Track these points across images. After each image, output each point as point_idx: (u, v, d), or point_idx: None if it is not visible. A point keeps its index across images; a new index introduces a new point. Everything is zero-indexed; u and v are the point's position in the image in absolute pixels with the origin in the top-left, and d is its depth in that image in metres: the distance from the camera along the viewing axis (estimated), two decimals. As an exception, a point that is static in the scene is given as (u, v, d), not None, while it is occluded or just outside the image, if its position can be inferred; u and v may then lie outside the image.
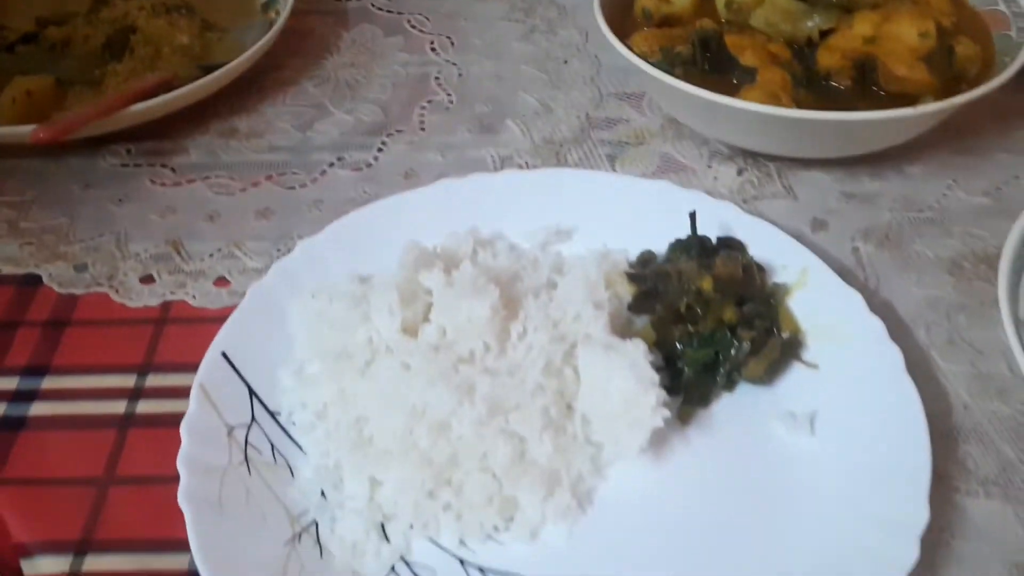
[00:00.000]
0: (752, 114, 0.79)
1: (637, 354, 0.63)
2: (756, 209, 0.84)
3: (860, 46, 0.84)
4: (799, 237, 0.80)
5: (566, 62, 1.06)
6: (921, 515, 0.56)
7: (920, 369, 0.69)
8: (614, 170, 0.90)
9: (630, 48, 0.87)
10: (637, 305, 0.71)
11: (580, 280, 0.70)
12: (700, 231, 0.76)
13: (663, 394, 0.62)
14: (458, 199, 0.81)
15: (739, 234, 0.76)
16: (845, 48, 0.84)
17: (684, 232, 0.76)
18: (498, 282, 0.69)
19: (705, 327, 0.68)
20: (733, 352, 0.67)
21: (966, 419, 0.67)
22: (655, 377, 0.62)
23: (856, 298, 0.69)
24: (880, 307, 0.74)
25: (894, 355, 0.65)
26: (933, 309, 0.75)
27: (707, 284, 0.69)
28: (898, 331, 0.72)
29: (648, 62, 0.85)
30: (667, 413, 0.62)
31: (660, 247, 0.76)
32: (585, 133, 0.95)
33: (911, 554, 0.54)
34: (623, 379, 0.62)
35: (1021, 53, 0.81)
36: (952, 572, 0.58)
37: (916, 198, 0.85)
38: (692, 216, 0.75)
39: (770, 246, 0.75)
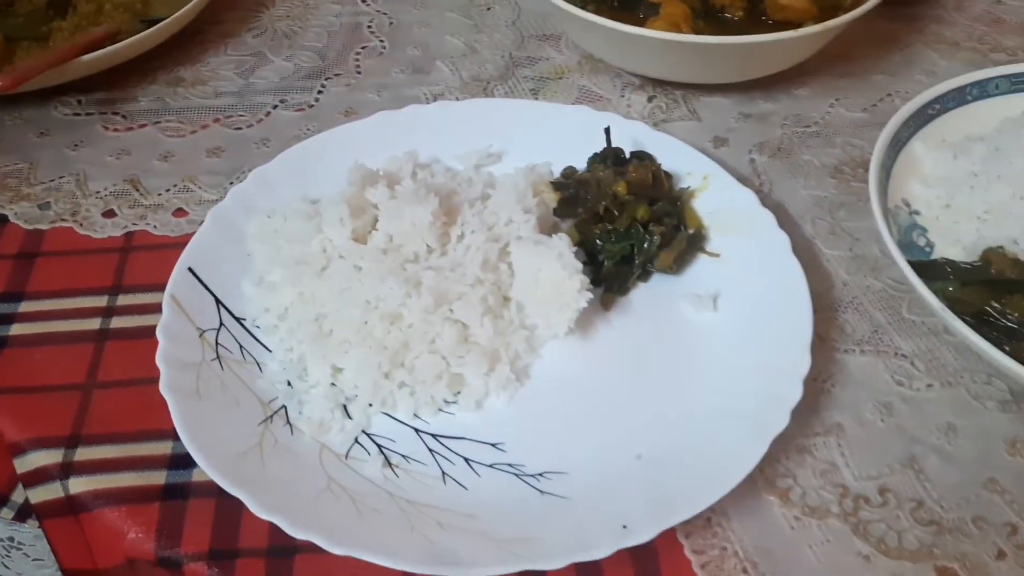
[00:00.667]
0: (656, 42, 0.88)
1: (563, 246, 0.72)
2: (665, 130, 0.94)
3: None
4: (703, 152, 0.90)
5: (489, 8, 1.14)
6: (804, 363, 0.66)
7: (807, 255, 0.80)
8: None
9: (546, -12, 0.95)
10: (562, 210, 0.80)
11: (511, 190, 0.79)
12: (614, 146, 0.85)
13: (586, 280, 0.71)
14: (396, 128, 0.88)
15: (649, 148, 0.85)
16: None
17: (601, 149, 0.85)
18: (437, 194, 0.77)
19: (621, 224, 0.78)
20: (646, 245, 0.77)
21: (845, 293, 0.78)
22: (579, 265, 0.71)
23: (750, 196, 0.80)
24: (773, 207, 0.84)
25: (783, 241, 0.75)
26: (818, 206, 0.86)
27: (621, 188, 0.79)
28: (788, 225, 0.82)
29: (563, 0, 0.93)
30: (590, 295, 0.71)
31: (581, 164, 0.85)
32: (509, 71, 1.03)
33: (796, 393, 0.64)
34: (551, 268, 0.71)
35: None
36: (833, 412, 0.69)
37: (804, 116, 0.96)
38: (607, 131, 0.84)
39: (676, 157, 0.85)
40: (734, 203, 0.80)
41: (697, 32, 0.92)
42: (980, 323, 0.70)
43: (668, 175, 0.83)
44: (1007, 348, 0.67)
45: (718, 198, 0.81)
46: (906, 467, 0.65)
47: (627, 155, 0.84)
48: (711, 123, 0.95)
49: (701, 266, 0.79)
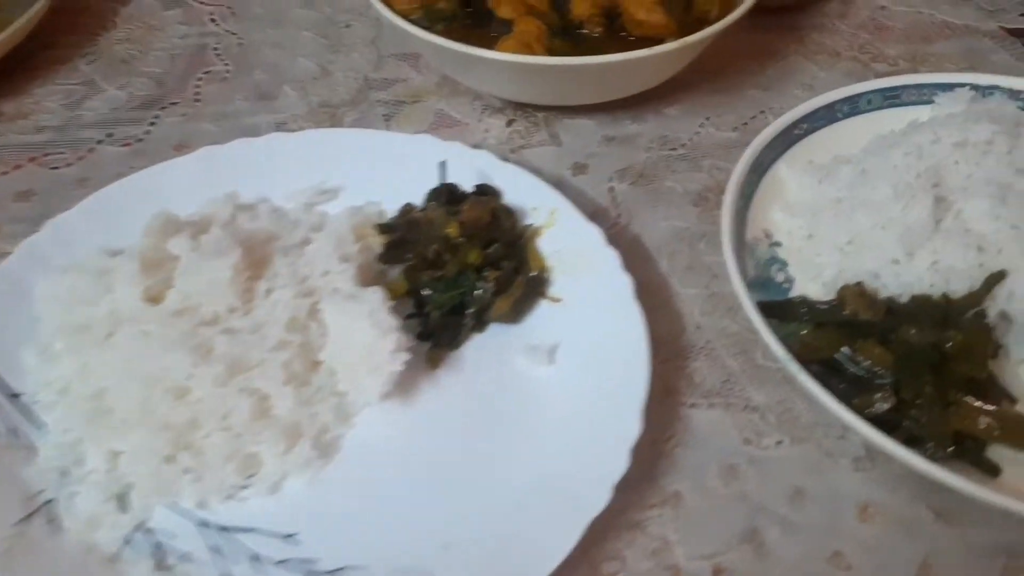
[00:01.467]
0: (505, 64, 0.81)
1: (376, 302, 0.65)
2: (523, 157, 0.87)
3: (607, -7, 0.87)
4: (560, 181, 0.83)
5: (348, 26, 1.06)
6: (633, 430, 0.60)
7: (659, 295, 0.74)
8: (388, 129, 0.91)
9: (390, 6, 0.88)
10: (387, 255, 0.72)
11: (331, 236, 0.71)
12: (459, 180, 0.78)
13: (402, 339, 0.64)
14: (219, 165, 0.80)
15: (496, 181, 0.78)
16: (595, -3, 0.87)
17: (454, 176, 0.78)
18: (249, 243, 0.70)
19: (451, 270, 0.70)
20: (479, 293, 0.70)
21: (698, 337, 0.71)
22: (393, 323, 0.64)
23: (596, 233, 0.73)
24: (628, 241, 0.78)
25: (625, 284, 0.69)
26: (678, 238, 0.79)
27: (453, 230, 0.71)
28: (642, 261, 0.76)
29: (407, 19, 0.86)
30: (406, 357, 0.64)
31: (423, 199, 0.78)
32: (363, 94, 0.96)
33: (620, 466, 0.58)
34: (362, 328, 0.64)
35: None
36: (670, 478, 0.62)
37: (671, 137, 0.89)
38: (441, 165, 0.77)
39: (524, 191, 0.78)
40: (579, 241, 0.73)
41: (553, 51, 0.85)
42: (830, 372, 0.64)
43: (510, 211, 0.76)
44: (856, 401, 0.61)
45: (564, 235, 0.74)
46: (745, 542, 0.58)
47: (470, 190, 0.77)
48: (572, 148, 0.89)
49: (542, 312, 0.72)
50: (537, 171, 0.82)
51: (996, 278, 0.67)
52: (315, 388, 0.65)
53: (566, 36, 0.87)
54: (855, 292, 0.67)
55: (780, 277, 0.74)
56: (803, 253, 0.75)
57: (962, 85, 0.84)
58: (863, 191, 0.75)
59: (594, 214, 0.80)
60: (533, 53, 0.83)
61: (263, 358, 0.64)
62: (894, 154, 0.75)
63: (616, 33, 0.87)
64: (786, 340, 0.65)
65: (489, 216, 0.73)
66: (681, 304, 0.74)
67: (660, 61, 0.83)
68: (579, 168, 0.86)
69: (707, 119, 0.91)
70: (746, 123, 0.91)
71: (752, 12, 0.89)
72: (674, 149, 0.88)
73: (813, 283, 0.73)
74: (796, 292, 0.72)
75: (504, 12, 0.87)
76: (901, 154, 0.75)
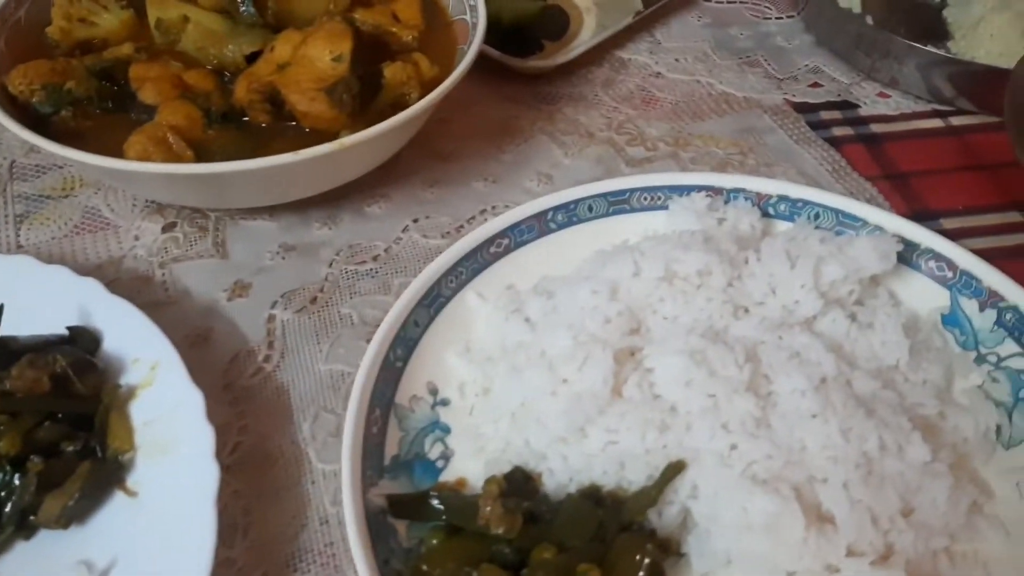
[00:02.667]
0: (117, 172, 0.64)
1: None
2: (172, 275, 0.70)
3: (271, 75, 0.71)
4: (209, 308, 0.67)
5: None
6: None
7: (285, 473, 0.58)
8: (18, 233, 0.74)
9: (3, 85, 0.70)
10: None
11: None
12: (60, 314, 0.61)
13: None
14: None
15: (98, 320, 0.62)
16: (257, 78, 0.71)
17: (49, 313, 0.61)
18: None
19: (-19, 463, 0.53)
20: (17, 492, 0.53)
21: (319, 538, 0.55)
22: None
23: (197, 401, 0.56)
24: (274, 389, 0.62)
25: (209, 479, 0.52)
26: (335, 390, 0.63)
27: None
28: (280, 422, 0.60)
29: (28, 101, 0.69)
30: None
31: (25, 331, 0.60)
32: (3, 185, 0.78)
33: None
34: None
35: (447, 81, 0.70)
36: None
37: (364, 246, 0.73)
38: None
39: (127, 335, 0.61)
40: (177, 410, 0.57)
41: (206, 143, 0.69)
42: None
43: (95, 370, 0.59)
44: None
45: (161, 401, 0.58)
46: None
47: (60, 331, 0.60)
48: (239, 261, 0.72)
49: (116, 509, 0.55)
50: (182, 296, 0.66)
51: (674, 469, 0.52)
52: None
53: (226, 122, 0.71)
54: (493, 491, 0.51)
55: (437, 450, 0.58)
56: (475, 415, 0.59)
57: (700, 188, 0.70)
58: (545, 337, 0.60)
59: (235, 358, 0.64)
60: (166, 148, 0.66)
61: None
62: (581, 291, 0.60)
63: (286, 120, 0.71)
64: (414, 553, 0.50)
65: (49, 383, 0.56)
66: (310, 486, 0.58)
67: (318, 164, 0.66)
68: (240, 289, 0.70)
69: (415, 221, 0.75)
70: (461, 227, 0.75)
71: (502, 78, 0.74)
72: (363, 263, 0.72)
73: (474, 460, 0.57)
74: (452, 473, 0.57)
75: (148, 94, 0.71)
76: (589, 291, 0.60)
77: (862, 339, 0.60)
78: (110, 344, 0.61)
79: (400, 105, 0.71)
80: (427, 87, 0.72)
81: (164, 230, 0.74)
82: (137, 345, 0.60)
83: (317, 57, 0.70)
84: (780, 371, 0.55)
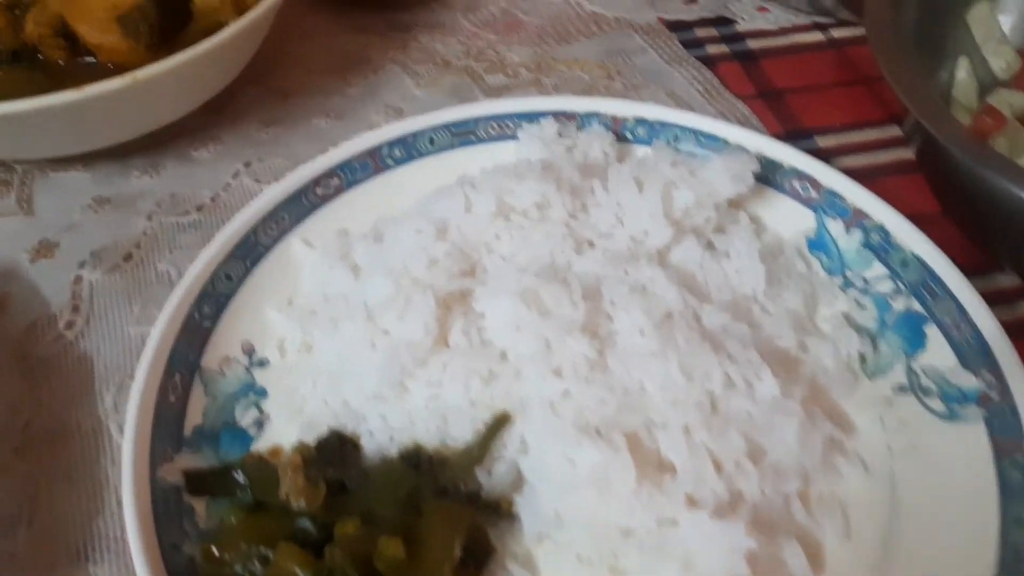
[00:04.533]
0: None
1: None
2: (-29, 234, 0.63)
3: (61, 4, 0.62)
4: (10, 270, 0.60)
5: None
6: None
7: (88, 447, 0.52)
8: None
9: None
10: None
11: None
12: None
13: None
14: None
15: None
16: (48, 9, 0.63)
17: None
18: None
19: None
20: None
21: (109, 527, 0.49)
22: None
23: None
24: (73, 362, 0.56)
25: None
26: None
27: None
28: (77, 395, 0.54)
29: None
30: None
31: None
32: None
33: None
34: None
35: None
36: None
37: (187, 195, 0.66)
38: None
39: None
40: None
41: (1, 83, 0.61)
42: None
43: None
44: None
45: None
46: None
47: None
48: (47, 217, 0.65)
49: None
50: None
51: (500, 422, 0.47)
52: None
53: (19, 63, 0.63)
54: (296, 460, 0.46)
55: (249, 416, 0.52)
56: (294, 375, 0.53)
57: (552, 113, 0.64)
58: (366, 284, 0.54)
59: (32, 326, 0.57)
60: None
61: None
62: (404, 230, 0.54)
63: (85, 56, 0.63)
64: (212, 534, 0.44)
65: None
66: (110, 466, 0.52)
67: (116, 103, 0.59)
68: (45, 249, 0.62)
69: (247, 164, 0.68)
70: (294, 168, 0.68)
71: (352, 5, 0.67)
72: (186, 213, 0.65)
73: (290, 424, 0.51)
74: (266, 440, 0.51)
75: (-78, 33, 0.62)
76: (413, 231, 0.54)
77: (716, 269, 0.55)
78: None
79: (212, 32, 0.64)
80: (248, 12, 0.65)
81: (-40, 187, 0.66)
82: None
83: (109, -19, 0.62)
84: (620, 308, 0.50)
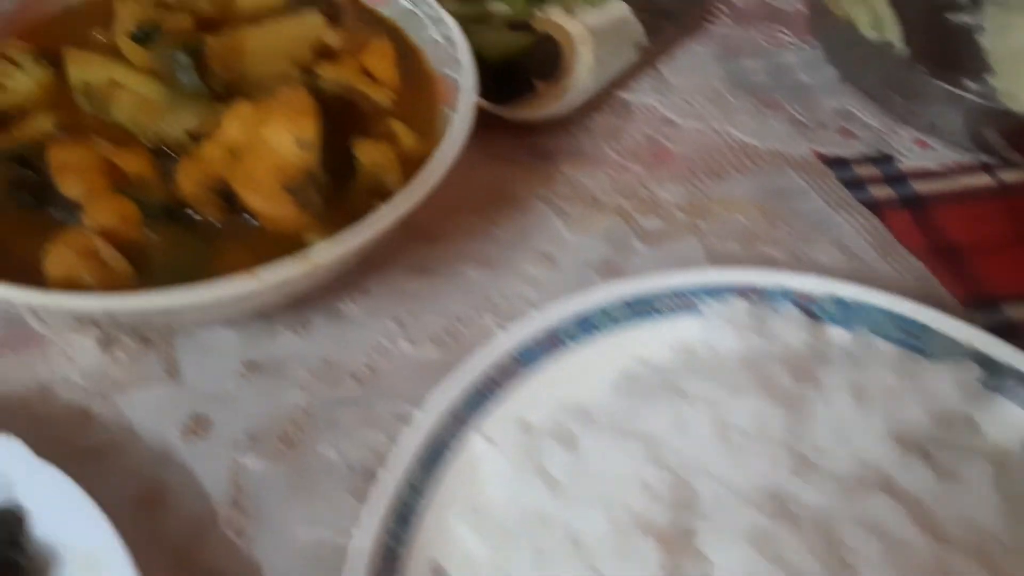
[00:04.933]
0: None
1: None
2: (119, 404, 0.58)
3: (220, 162, 0.58)
4: (164, 449, 0.56)
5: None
6: None
7: None
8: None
9: None
10: None
11: None
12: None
13: None
14: None
15: (24, 495, 0.50)
16: (205, 165, 0.58)
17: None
18: None
19: None
20: None
21: None
22: None
23: (145, 613, 0.45)
24: (242, 570, 0.51)
25: None
26: (320, 563, 0.52)
27: None
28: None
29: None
30: None
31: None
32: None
33: None
34: None
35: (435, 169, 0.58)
36: None
37: (342, 360, 0.62)
38: None
39: (58, 515, 0.49)
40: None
41: (152, 246, 0.57)
42: None
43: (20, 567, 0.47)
44: None
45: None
46: None
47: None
48: (195, 384, 0.60)
49: None
50: (127, 436, 0.55)
51: None
52: None
53: (170, 221, 0.59)
54: None
55: (446, 654, 0.48)
56: (489, 607, 0.49)
57: (732, 290, 0.59)
58: (573, 511, 0.49)
59: (193, 525, 0.53)
60: (95, 261, 0.54)
61: None
62: (613, 449, 0.50)
63: (241, 213, 0.59)
64: None
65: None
66: None
67: (295, 284, 0.55)
68: (199, 425, 0.58)
69: (400, 324, 0.64)
70: (451, 331, 0.64)
71: (486, 128, 0.63)
72: (342, 384, 0.61)
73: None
74: None
75: (71, 188, 0.58)
76: (622, 452, 0.50)
77: (946, 496, 0.50)
78: (43, 529, 0.49)
79: (377, 191, 0.60)
80: (408, 164, 0.61)
81: (101, 345, 0.62)
82: (68, 530, 0.49)
83: (276, 143, 0.57)
84: (862, 557, 0.46)
